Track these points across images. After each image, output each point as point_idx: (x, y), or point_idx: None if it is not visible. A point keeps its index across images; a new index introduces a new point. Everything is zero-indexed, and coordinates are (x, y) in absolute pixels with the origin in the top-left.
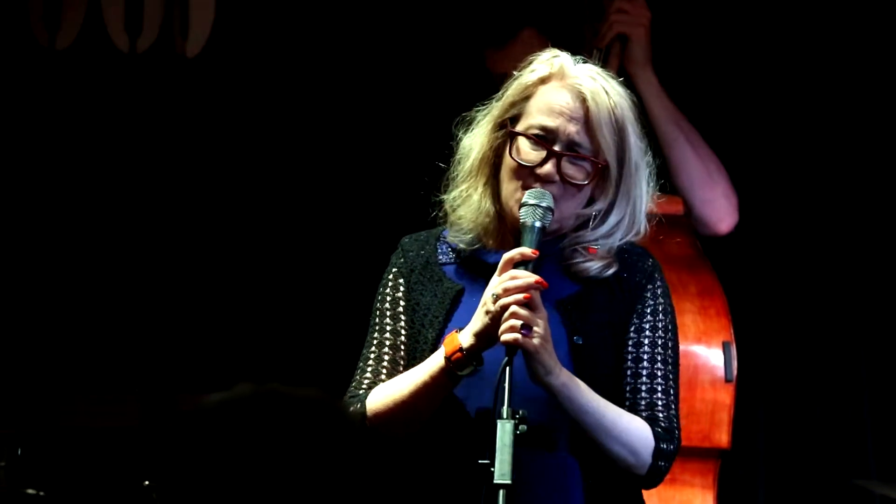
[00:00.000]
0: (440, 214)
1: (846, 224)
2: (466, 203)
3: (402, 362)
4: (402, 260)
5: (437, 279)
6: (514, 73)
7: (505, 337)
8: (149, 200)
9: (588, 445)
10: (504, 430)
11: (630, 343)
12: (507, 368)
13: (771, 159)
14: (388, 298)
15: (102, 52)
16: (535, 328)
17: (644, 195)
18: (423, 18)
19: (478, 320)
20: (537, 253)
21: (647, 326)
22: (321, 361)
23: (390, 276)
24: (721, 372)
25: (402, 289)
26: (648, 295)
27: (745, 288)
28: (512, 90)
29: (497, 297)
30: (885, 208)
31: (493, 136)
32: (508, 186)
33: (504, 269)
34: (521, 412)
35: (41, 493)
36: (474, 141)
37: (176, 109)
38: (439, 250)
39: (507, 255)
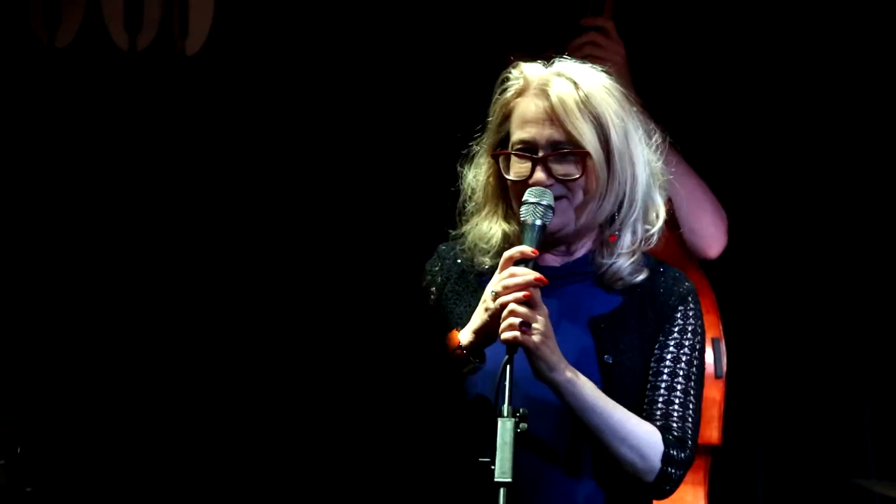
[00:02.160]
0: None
1: (845, 222)
2: (491, 233)
3: None
4: (437, 268)
5: (473, 289)
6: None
7: (505, 335)
8: (149, 199)
9: (614, 474)
10: (504, 429)
11: (653, 359)
12: (508, 367)
13: (762, 156)
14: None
15: (102, 51)
16: (535, 325)
17: (643, 174)
18: (426, 17)
19: (477, 318)
20: (537, 252)
21: (672, 343)
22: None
23: (423, 284)
24: (711, 369)
25: (432, 297)
26: (679, 316)
27: (745, 286)
28: (494, 115)
29: (497, 295)
30: (882, 205)
31: (491, 164)
32: (516, 206)
33: (504, 267)
34: (521, 410)
35: (40, 492)
36: (477, 173)
37: (175, 108)
38: (477, 259)
39: (507, 254)
